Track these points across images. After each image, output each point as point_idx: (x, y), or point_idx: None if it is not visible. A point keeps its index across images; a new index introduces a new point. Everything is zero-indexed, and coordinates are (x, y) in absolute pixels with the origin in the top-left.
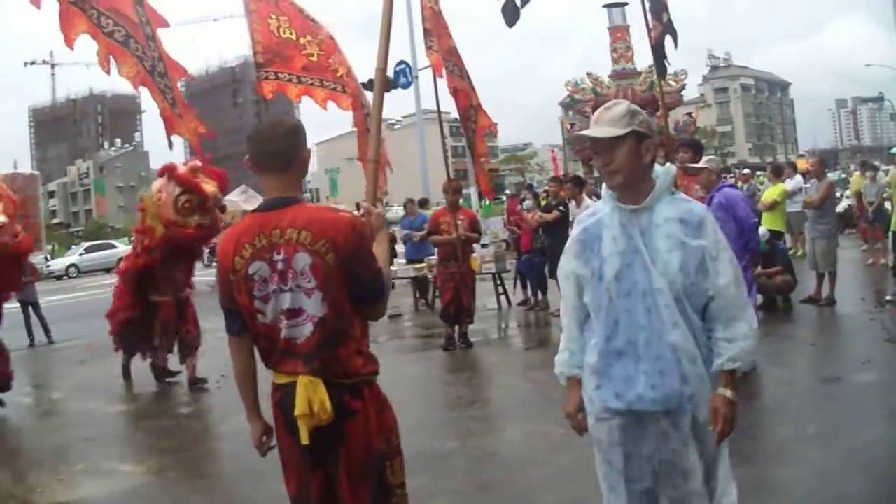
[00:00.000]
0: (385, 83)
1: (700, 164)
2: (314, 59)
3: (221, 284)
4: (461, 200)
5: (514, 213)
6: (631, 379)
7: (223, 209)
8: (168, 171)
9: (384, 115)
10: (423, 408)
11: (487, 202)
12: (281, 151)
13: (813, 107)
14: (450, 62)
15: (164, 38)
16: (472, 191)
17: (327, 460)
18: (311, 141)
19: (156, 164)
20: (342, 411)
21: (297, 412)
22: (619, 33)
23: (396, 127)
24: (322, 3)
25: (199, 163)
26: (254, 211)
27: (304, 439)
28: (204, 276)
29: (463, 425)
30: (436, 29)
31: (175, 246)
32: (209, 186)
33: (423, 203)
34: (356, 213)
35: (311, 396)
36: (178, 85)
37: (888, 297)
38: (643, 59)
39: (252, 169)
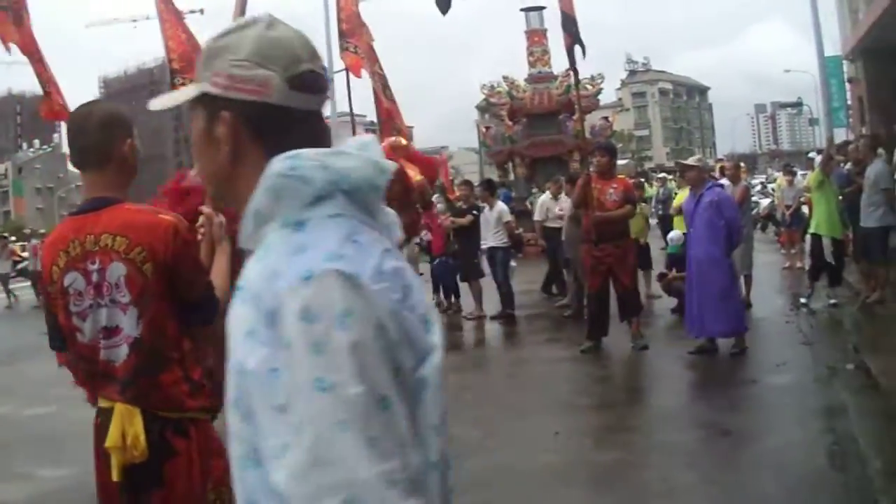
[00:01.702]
0: None
1: (691, 162)
2: None
3: (44, 297)
4: None
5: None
6: None
7: (430, 205)
8: None
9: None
10: None
11: None
12: (95, 146)
13: (732, 111)
14: (370, 61)
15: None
16: None
17: (142, 502)
18: None
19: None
20: (161, 449)
21: (107, 443)
22: (536, 37)
23: None
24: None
25: (402, 140)
26: (70, 214)
27: (115, 475)
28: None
29: None
30: (356, 28)
31: None
32: (413, 173)
33: None
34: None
35: (126, 428)
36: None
37: (803, 300)
38: (560, 62)
39: (74, 166)
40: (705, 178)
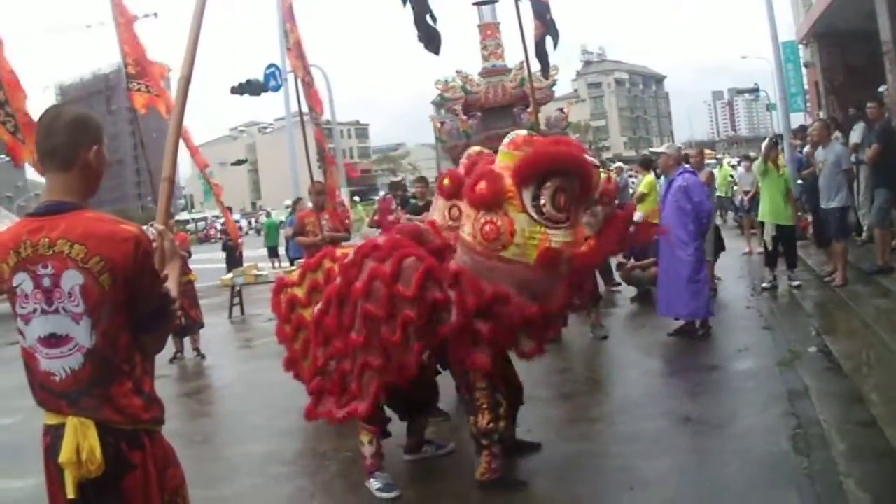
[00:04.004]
0: (187, 93)
1: (660, 149)
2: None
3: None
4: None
5: (387, 212)
6: None
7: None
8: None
9: (253, 119)
10: (298, 412)
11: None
12: (59, 148)
13: (689, 99)
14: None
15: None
16: (344, 191)
17: None
18: (184, 147)
19: (32, 175)
20: (118, 463)
21: (61, 458)
22: (489, 31)
23: (268, 130)
24: None
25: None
26: (27, 214)
27: (71, 492)
28: None
29: (335, 428)
30: (290, 24)
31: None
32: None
33: (297, 204)
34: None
35: (80, 442)
36: (25, 105)
37: (764, 285)
38: (514, 55)
39: (39, 168)
40: (674, 164)
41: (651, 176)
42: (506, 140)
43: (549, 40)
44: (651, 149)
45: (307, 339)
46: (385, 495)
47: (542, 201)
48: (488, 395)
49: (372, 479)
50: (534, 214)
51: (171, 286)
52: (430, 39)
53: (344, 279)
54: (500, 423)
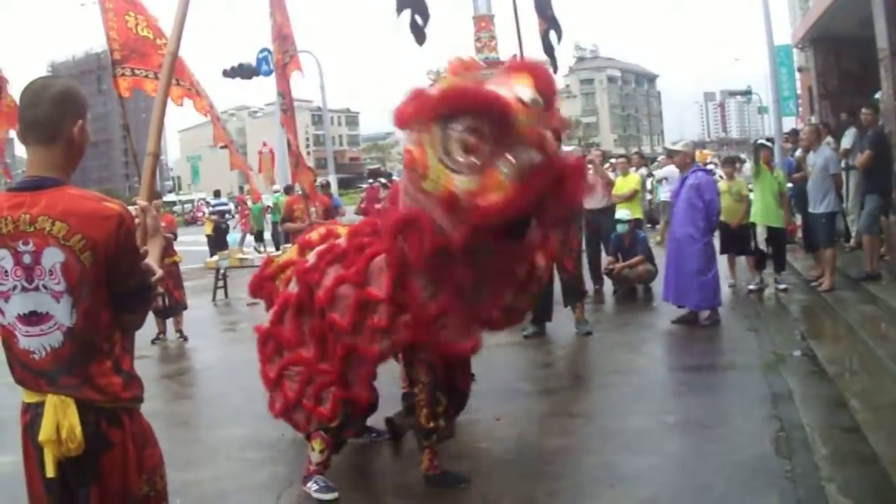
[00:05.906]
0: (173, 69)
1: (678, 147)
2: None
3: None
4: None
5: (375, 201)
6: None
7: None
8: None
9: (244, 103)
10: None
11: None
12: (44, 120)
13: (681, 99)
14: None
15: None
16: (332, 178)
17: (78, 499)
18: (174, 129)
19: (21, 152)
20: (97, 442)
21: (41, 437)
22: (483, 22)
23: (259, 115)
24: None
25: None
26: (8, 189)
27: (50, 471)
28: None
29: None
30: (275, 12)
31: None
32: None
33: (288, 190)
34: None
35: (60, 420)
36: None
37: (751, 287)
38: (507, 48)
39: (20, 140)
40: (690, 162)
41: (637, 175)
42: (451, 60)
43: (552, 35)
44: (667, 146)
45: None
46: (324, 496)
47: (451, 143)
48: (429, 391)
49: (310, 483)
50: (441, 156)
51: (152, 262)
52: (417, 34)
53: (304, 286)
54: (438, 422)
